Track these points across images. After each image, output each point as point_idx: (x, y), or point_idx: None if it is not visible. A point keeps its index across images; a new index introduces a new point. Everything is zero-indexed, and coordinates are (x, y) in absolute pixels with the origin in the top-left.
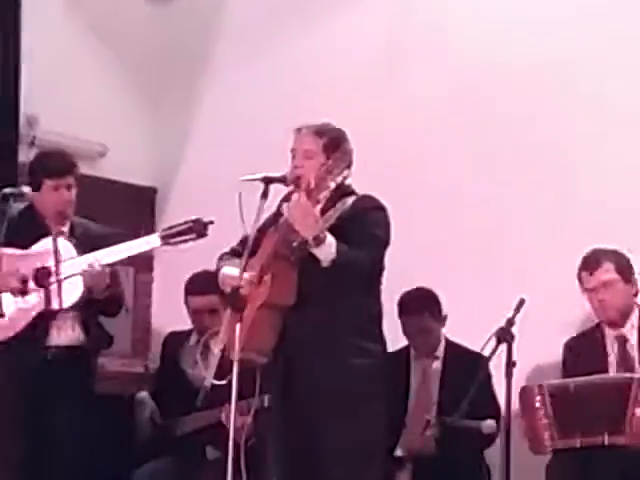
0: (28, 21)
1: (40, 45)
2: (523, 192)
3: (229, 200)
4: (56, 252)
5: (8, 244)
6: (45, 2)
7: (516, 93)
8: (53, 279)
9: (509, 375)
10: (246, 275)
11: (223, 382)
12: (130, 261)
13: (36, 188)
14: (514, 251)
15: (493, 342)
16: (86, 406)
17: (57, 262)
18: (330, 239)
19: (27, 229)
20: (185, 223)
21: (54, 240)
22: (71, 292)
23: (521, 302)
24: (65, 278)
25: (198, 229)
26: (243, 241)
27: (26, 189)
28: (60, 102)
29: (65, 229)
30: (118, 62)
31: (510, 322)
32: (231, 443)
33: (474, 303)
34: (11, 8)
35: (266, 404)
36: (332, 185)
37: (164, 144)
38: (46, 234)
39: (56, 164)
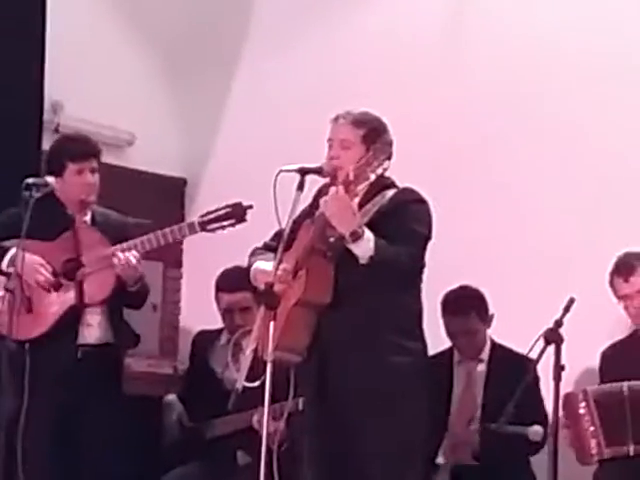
0: (54, 3)
1: (65, 28)
2: (573, 189)
3: (261, 192)
4: (82, 243)
5: (28, 237)
6: None
7: (576, 83)
8: (83, 271)
9: (557, 379)
10: (280, 271)
11: (255, 385)
12: (158, 256)
13: (58, 173)
14: (563, 249)
15: (541, 344)
16: (115, 407)
17: (84, 253)
18: (368, 235)
19: (49, 220)
20: (224, 208)
21: (80, 230)
22: (102, 285)
23: (570, 302)
24: (97, 270)
25: (237, 214)
26: (277, 235)
27: (50, 179)
28: (86, 88)
29: (87, 218)
30: (147, 46)
31: (559, 323)
32: (264, 448)
33: (521, 303)
34: None
35: (300, 407)
36: (372, 177)
37: (194, 133)
38: (69, 224)
39: (80, 146)
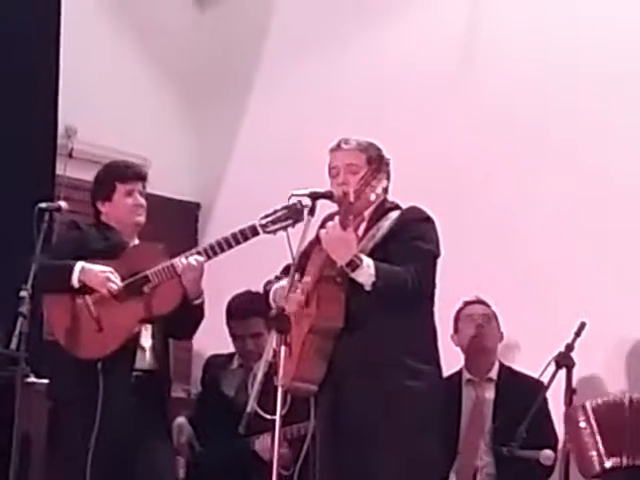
0: (68, 28)
1: (80, 54)
2: (585, 212)
3: None
4: (144, 257)
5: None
6: (86, 8)
7: (600, 99)
8: (151, 284)
9: (568, 403)
10: (294, 289)
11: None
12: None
13: (107, 197)
14: (574, 273)
15: (552, 368)
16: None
17: (147, 267)
18: (367, 261)
19: (105, 244)
20: (281, 209)
21: (141, 245)
22: (168, 295)
23: (582, 326)
24: (162, 282)
25: (295, 215)
26: (286, 269)
27: (63, 204)
28: (99, 113)
29: (136, 242)
30: (161, 73)
31: (570, 347)
32: (275, 473)
33: (531, 326)
34: (51, 16)
35: (303, 432)
36: (372, 197)
37: (208, 158)
38: (124, 246)
39: (128, 169)
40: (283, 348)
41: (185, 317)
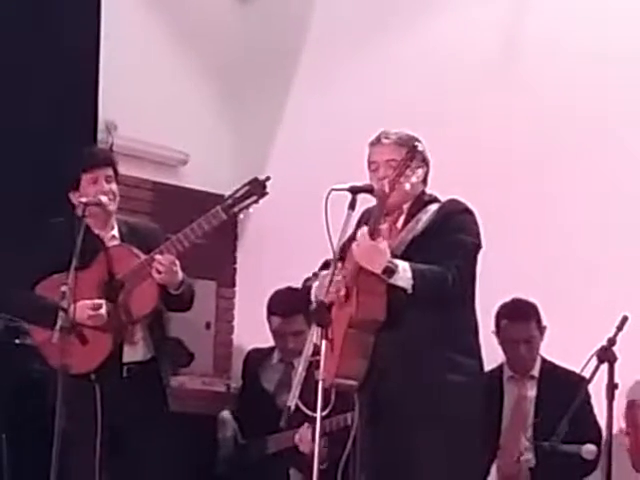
0: (109, 23)
1: (119, 49)
2: (627, 204)
3: (315, 211)
4: (115, 261)
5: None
6: (126, 5)
7: None
8: (126, 288)
9: (611, 398)
10: (334, 283)
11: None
12: (212, 275)
13: (75, 187)
14: (616, 266)
15: (593, 363)
16: (163, 425)
17: (120, 271)
18: (403, 265)
19: (73, 247)
20: (242, 187)
21: (110, 249)
22: (146, 297)
23: (624, 320)
24: (136, 284)
25: (257, 189)
26: (325, 265)
27: (104, 198)
28: (139, 108)
29: (114, 232)
30: (201, 68)
31: (612, 341)
32: (315, 469)
33: (573, 320)
34: (92, 10)
35: (342, 424)
36: (407, 187)
37: (247, 153)
38: (99, 245)
39: (90, 157)
40: (324, 342)
41: (171, 305)
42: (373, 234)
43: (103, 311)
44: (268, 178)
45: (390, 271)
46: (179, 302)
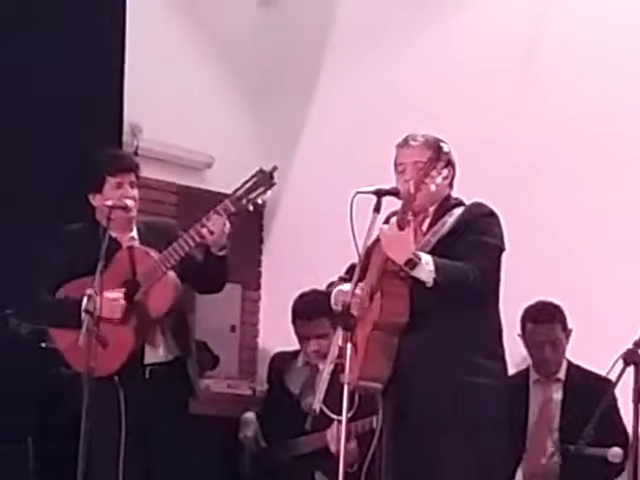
0: (133, 27)
1: (145, 51)
2: None
3: (339, 213)
4: (132, 262)
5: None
6: (152, 7)
7: None
8: (143, 289)
9: (637, 400)
10: (358, 290)
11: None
12: (237, 279)
13: (97, 189)
14: None
15: (619, 365)
16: (186, 426)
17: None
18: (426, 258)
19: (92, 251)
20: (249, 180)
21: (126, 250)
22: (162, 296)
23: None
24: (152, 284)
25: (265, 181)
26: (351, 269)
27: (130, 202)
28: (164, 111)
29: (134, 234)
30: (227, 70)
31: (638, 344)
32: (341, 469)
33: (599, 322)
34: (117, 14)
35: (371, 427)
36: (432, 187)
37: (272, 155)
38: (115, 248)
39: (118, 160)
40: (349, 345)
41: (210, 270)
42: (401, 224)
43: (122, 302)
44: (275, 168)
45: (413, 263)
46: (220, 267)
